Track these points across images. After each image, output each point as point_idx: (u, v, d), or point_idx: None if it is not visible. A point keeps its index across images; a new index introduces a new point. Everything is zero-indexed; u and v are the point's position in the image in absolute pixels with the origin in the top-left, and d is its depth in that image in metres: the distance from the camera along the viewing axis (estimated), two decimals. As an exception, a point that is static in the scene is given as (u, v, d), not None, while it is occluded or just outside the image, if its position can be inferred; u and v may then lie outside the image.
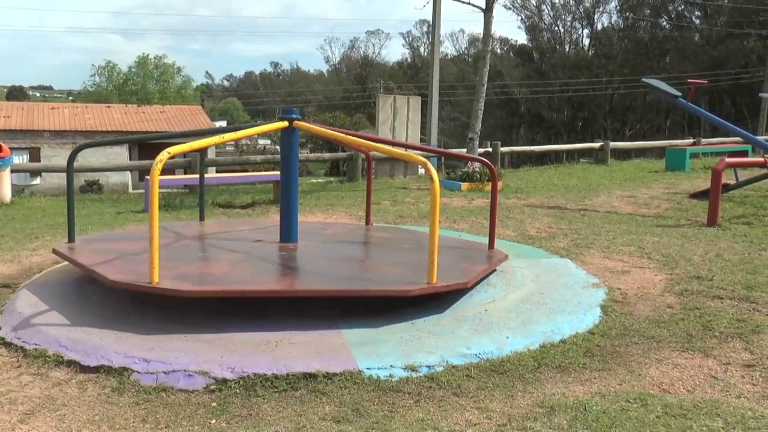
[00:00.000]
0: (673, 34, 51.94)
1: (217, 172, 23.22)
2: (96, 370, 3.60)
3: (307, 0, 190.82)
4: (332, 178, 18.31)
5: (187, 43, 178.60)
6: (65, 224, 5.88)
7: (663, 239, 7.02)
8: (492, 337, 3.99)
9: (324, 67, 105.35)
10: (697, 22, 53.05)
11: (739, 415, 3.05)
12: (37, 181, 29.42)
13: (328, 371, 3.49)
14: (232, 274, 4.51)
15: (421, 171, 17.43)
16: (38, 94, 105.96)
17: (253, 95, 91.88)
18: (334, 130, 5.95)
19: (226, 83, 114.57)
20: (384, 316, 4.28)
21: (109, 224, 8.50)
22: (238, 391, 3.36)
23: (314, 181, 19.41)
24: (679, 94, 10.46)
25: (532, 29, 60.39)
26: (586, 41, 60.47)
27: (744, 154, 16.40)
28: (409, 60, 79.69)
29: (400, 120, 15.88)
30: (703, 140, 21.49)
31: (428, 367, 3.60)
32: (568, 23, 60.12)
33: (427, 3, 17.43)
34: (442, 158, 17.44)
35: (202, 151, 6.42)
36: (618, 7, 56.21)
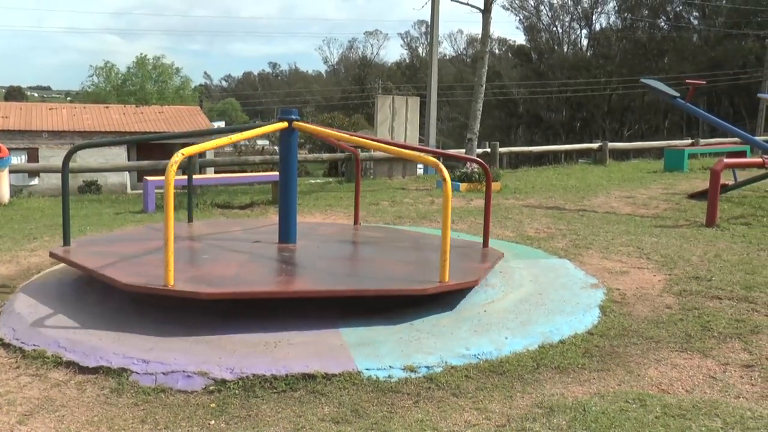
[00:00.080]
0: (672, 34, 51.99)
1: (215, 172, 23.21)
2: (95, 370, 3.60)
3: (306, 0, 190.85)
4: (331, 179, 18.34)
5: (185, 43, 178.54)
6: (64, 225, 5.86)
7: (662, 240, 7.03)
8: (491, 337, 4.00)
9: (322, 68, 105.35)
10: (696, 22, 53.13)
11: (738, 415, 3.06)
12: (36, 181, 29.40)
13: (327, 372, 3.49)
14: (244, 276, 4.51)
15: (420, 171, 17.46)
16: (36, 95, 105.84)
17: (251, 96, 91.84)
18: (333, 131, 5.97)
19: (224, 84, 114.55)
20: (383, 316, 4.28)
21: (107, 225, 8.49)
22: (237, 391, 3.36)
23: (313, 181, 19.43)
24: (678, 94, 10.46)
25: (530, 30, 60.46)
26: (585, 42, 60.59)
27: (742, 154, 16.43)
28: (407, 60, 79.73)
29: (398, 120, 15.89)
30: (702, 141, 21.52)
31: (427, 367, 3.60)
32: (567, 24, 60.20)
33: (426, 3, 17.47)
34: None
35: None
36: (616, 8, 56.30)
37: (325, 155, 18.66)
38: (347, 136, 6.28)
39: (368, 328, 4.09)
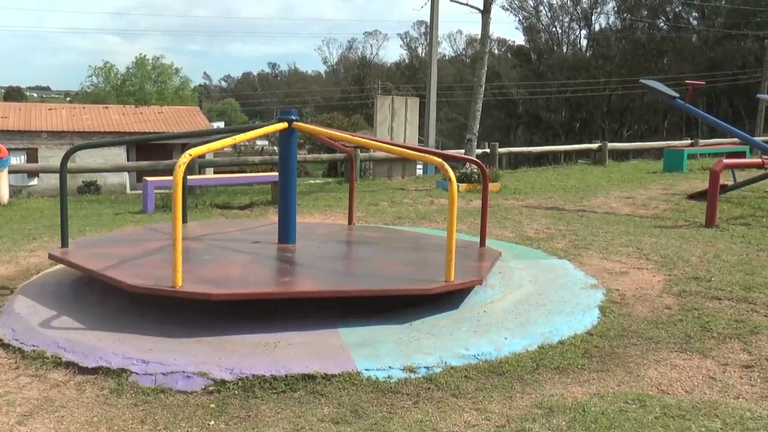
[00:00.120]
0: (671, 35, 52.02)
1: (215, 173, 23.20)
2: (94, 371, 3.59)
3: (305, 1, 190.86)
4: (330, 179, 18.33)
5: (184, 43, 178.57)
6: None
7: (661, 240, 7.03)
8: (490, 338, 4.00)
9: (322, 68, 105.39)
10: (695, 23, 53.17)
11: (737, 415, 3.06)
12: (35, 181, 29.39)
13: (327, 372, 3.49)
14: (250, 277, 4.52)
15: (419, 172, 17.47)
16: (35, 95, 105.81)
17: (250, 96, 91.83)
18: (333, 131, 5.97)
19: (223, 84, 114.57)
20: (382, 317, 4.28)
21: (107, 225, 8.49)
22: (236, 392, 3.36)
23: (312, 182, 19.43)
24: (677, 95, 10.47)
25: (529, 30, 60.48)
26: (584, 42, 60.61)
27: (742, 155, 16.43)
28: (406, 61, 79.75)
29: (398, 121, 15.89)
30: (701, 141, 21.53)
31: (427, 368, 3.60)
32: (566, 24, 60.23)
33: (425, 4, 17.48)
34: None
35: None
36: (615, 8, 56.34)
37: (325, 156, 18.67)
38: (348, 136, 6.29)
39: (368, 329, 4.09)
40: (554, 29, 60.56)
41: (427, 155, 5.39)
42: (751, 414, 3.08)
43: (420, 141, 19.19)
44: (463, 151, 14.68)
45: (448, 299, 4.63)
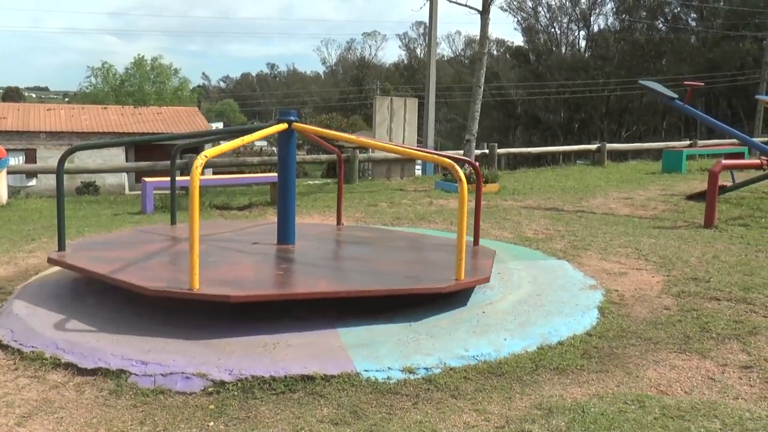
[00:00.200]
0: (670, 36, 52.05)
1: (213, 173, 23.19)
2: (93, 372, 3.59)
3: (304, 1, 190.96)
4: (329, 180, 18.32)
5: (183, 44, 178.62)
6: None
7: (660, 241, 7.03)
8: (489, 338, 4.00)
9: (321, 69, 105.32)
10: (693, 24, 53.23)
11: (736, 416, 3.06)
12: (33, 182, 29.35)
13: (326, 373, 3.49)
14: (264, 278, 4.54)
15: (418, 172, 17.47)
16: (34, 95, 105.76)
17: (249, 97, 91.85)
18: (332, 132, 5.98)
19: (222, 84, 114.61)
20: (381, 317, 4.28)
21: (106, 226, 8.48)
22: (235, 393, 3.36)
23: (311, 182, 19.42)
24: (676, 96, 10.48)
25: (528, 31, 60.49)
26: (583, 43, 60.63)
27: (740, 156, 16.44)
28: (405, 61, 79.79)
29: (396, 122, 15.88)
30: (700, 142, 21.55)
31: (426, 369, 3.60)
32: (565, 25, 60.25)
33: (424, 5, 17.49)
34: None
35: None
36: (614, 9, 56.36)
37: (324, 156, 18.64)
38: (353, 137, 6.32)
39: (367, 329, 4.09)
40: (553, 30, 60.62)
41: (436, 157, 5.45)
42: (750, 414, 3.08)
43: (419, 142, 19.19)
44: (461, 151, 14.68)
45: (447, 300, 4.63)
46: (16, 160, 29.60)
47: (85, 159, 29.30)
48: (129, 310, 4.46)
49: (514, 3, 58.74)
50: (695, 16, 52.77)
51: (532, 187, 12.77)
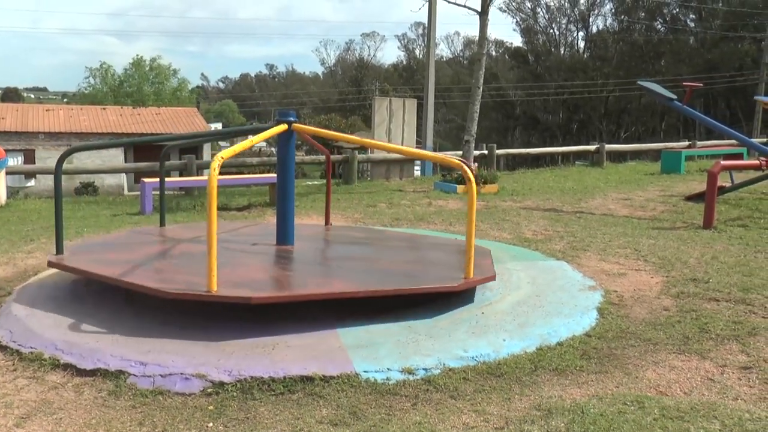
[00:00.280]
0: (668, 37, 52.07)
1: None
2: (92, 373, 3.59)
3: (303, 2, 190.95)
4: (328, 181, 18.27)
5: (182, 44, 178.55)
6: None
7: (659, 242, 7.03)
8: (489, 339, 3.99)
9: (319, 70, 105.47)
10: (692, 25, 53.24)
11: (736, 417, 3.06)
12: (32, 183, 29.33)
13: (325, 374, 3.49)
14: (278, 279, 4.55)
15: (417, 173, 17.47)
16: (33, 96, 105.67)
17: (248, 97, 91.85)
18: (332, 133, 6.00)
19: (221, 85, 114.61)
20: (381, 318, 4.28)
21: (105, 227, 8.48)
22: (235, 394, 3.36)
23: (310, 183, 19.43)
24: (675, 97, 10.48)
25: (527, 32, 60.48)
26: (582, 44, 60.62)
27: (739, 156, 16.46)
28: (404, 62, 79.78)
29: (395, 122, 15.88)
30: (699, 143, 21.56)
31: (425, 369, 3.60)
32: (563, 26, 60.23)
33: (423, 5, 17.50)
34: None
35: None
36: (613, 10, 56.37)
37: (323, 157, 18.64)
38: (358, 138, 6.34)
39: (366, 330, 4.08)
40: (552, 31, 60.62)
41: (444, 158, 5.52)
42: (749, 415, 3.08)
43: (418, 142, 19.19)
44: (460, 152, 14.68)
45: (446, 300, 4.63)
46: (15, 161, 29.58)
47: (84, 159, 29.28)
48: (128, 310, 4.46)
49: (513, 4, 58.78)
50: (694, 16, 52.81)
51: (531, 187, 12.77)
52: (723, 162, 9.03)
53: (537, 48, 60.13)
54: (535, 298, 4.81)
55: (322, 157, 18.48)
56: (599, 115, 53.89)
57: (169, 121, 38.41)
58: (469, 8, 14.28)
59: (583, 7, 57.81)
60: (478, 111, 14.07)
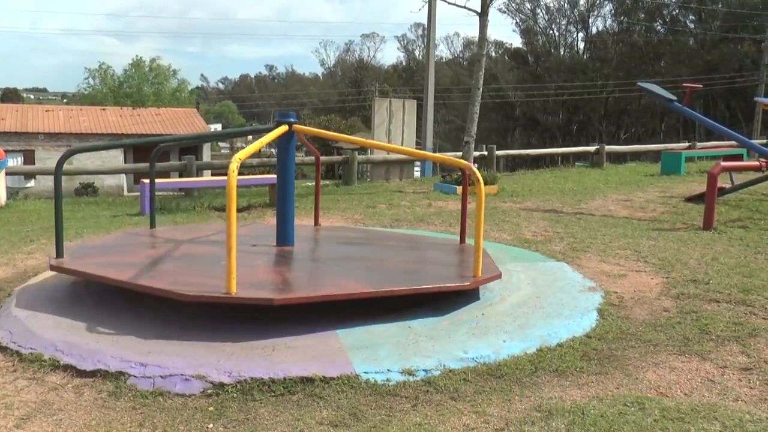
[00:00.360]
0: (668, 38, 52.10)
1: (212, 175, 23.17)
2: (92, 374, 3.58)
3: (303, 3, 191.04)
4: (328, 182, 18.30)
5: (182, 45, 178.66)
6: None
7: (659, 243, 7.03)
8: (489, 340, 3.99)
9: (319, 70, 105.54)
10: (692, 26, 53.24)
11: (736, 418, 3.06)
12: (32, 183, 29.34)
13: (326, 375, 3.49)
14: (292, 280, 4.56)
15: (417, 174, 17.47)
16: (32, 96, 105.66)
17: (248, 98, 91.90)
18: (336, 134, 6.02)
19: (221, 86, 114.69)
20: (380, 319, 4.28)
21: (105, 227, 8.47)
22: (235, 395, 3.35)
23: (310, 184, 19.40)
24: (675, 98, 10.48)
25: (527, 33, 60.50)
26: (581, 45, 60.63)
27: (739, 157, 16.46)
28: (404, 63, 79.83)
29: (395, 123, 15.89)
30: (698, 144, 21.56)
31: (425, 371, 3.60)
32: (563, 27, 60.25)
33: (423, 6, 17.50)
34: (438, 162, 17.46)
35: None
36: (612, 11, 56.38)
37: (323, 158, 18.64)
38: (360, 139, 6.36)
39: (366, 331, 4.08)
40: (551, 32, 60.63)
41: (451, 159, 5.58)
42: (750, 417, 3.08)
43: (417, 143, 19.20)
44: (460, 153, 14.68)
45: (446, 301, 4.63)
46: (15, 162, 29.58)
47: (83, 160, 29.29)
48: (128, 311, 4.46)
49: (513, 5, 58.78)
50: (693, 18, 52.81)
51: (531, 188, 12.77)
52: (723, 163, 9.04)
53: (537, 49, 60.14)
54: (536, 300, 4.81)
55: (322, 158, 18.51)
56: (599, 116, 53.91)
57: (169, 121, 38.42)
58: (469, 9, 14.29)
59: (582, 8, 57.85)
60: (477, 112, 14.07)
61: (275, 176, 6.19)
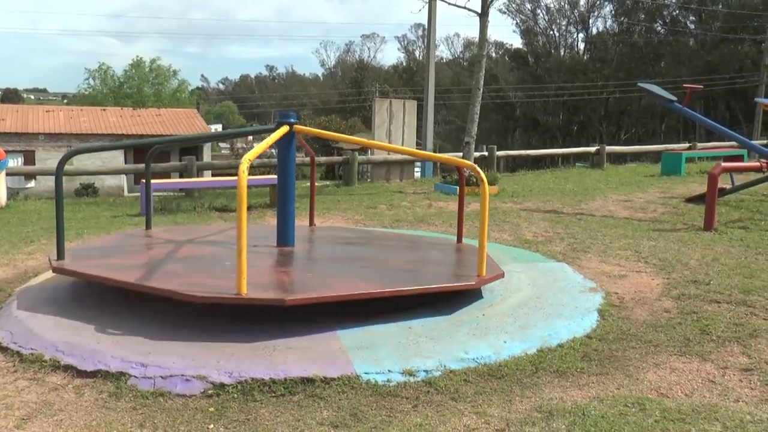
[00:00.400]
0: (668, 38, 52.10)
1: (213, 175, 23.18)
2: (93, 374, 3.58)
3: (303, 3, 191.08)
4: (328, 182, 18.31)
5: (182, 46, 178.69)
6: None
7: (659, 243, 7.03)
8: (490, 341, 3.99)
9: (319, 71, 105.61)
10: (692, 27, 53.24)
11: (737, 419, 3.06)
12: (32, 184, 29.34)
13: (326, 376, 3.48)
14: (303, 280, 4.57)
15: (417, 174, 17.46)
16: (33, 97, 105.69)
17: (248, 99, 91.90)
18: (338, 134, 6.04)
19: (221, 86, 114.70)
20: (381, 319, 4.28)
21: (105, 228, 8.47)
22: (235, 395, 3.35)
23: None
24: (675, 98, 10.48)
25: (527, 33, 60.50)
26: (582, 45, 60.63)
27: (739, 158, 16.45)
28: (404, 64, 79.83)
29: (396, 124, 15.89)
30: (699, 144, 21.55)
31: (426, 371, 3.60)
32: (563, 27, 60.25)
33: (423, 7, 17.51)
34: (438, 163, 17.46)
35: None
36: (613, 12, 56.38)
37: (323, 158, 18.64)
38: (361, 140, 6.37)
39: (366, 332, 4.08)
40: (552, 32, 60.63)
41: (455, 159, 5.60)
42: (751, 417, 3.08)
43: (418, 144, 19.20)
44: (461, 154, 14.68)
45: (446, 302, 4.63)
46: (15, 162, 29.58)
47: (84, 161, 29.28)
48: (128, 312, 4.46)
49: (513, 5, 58.76)
50: (694, 18, 52.82)
51: (531, 189, 12.77)
52: (723, 164, 9.03)
53: (537, 49, 60.15)
54: (536, 300, 4.81)
55: (322, 159, 18.49)
56: (599, 117, 53.91)
57: (169, 122, 38.41)
58: (469, 10, 14.30)
59: (582, 9, 57.86)
60: (478, 112, 14.07)
61: (276, 177, 6.19)
